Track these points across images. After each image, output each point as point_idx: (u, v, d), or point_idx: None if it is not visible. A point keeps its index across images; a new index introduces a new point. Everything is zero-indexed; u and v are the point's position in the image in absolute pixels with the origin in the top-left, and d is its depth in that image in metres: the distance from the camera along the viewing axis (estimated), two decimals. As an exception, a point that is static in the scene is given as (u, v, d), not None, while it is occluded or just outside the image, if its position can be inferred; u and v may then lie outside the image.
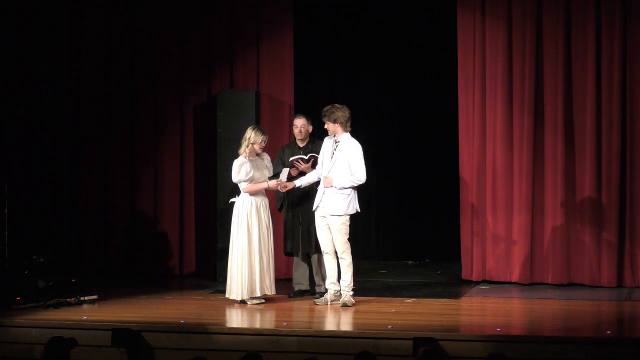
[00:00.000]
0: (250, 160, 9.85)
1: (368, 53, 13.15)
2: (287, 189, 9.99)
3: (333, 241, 9.77)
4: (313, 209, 9.87)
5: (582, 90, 10.93)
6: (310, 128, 10.35)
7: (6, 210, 10.95)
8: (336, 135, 9.82)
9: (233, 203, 10.01)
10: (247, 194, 9.88)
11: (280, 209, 10.42)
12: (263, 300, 9.90)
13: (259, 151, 9.90)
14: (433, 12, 12.64)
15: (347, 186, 9.72)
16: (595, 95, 10.88)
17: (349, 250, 9.79)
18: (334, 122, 9.77)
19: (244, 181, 9.82)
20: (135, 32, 12.00)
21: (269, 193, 10.14)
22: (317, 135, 10.57)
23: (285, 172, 9.98)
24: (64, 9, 12.10)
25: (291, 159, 10.18)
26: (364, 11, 12.96)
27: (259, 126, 10.17)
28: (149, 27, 11.95)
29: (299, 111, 10.92)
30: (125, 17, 12.01)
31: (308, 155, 10.18)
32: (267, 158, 10.03)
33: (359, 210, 9.85)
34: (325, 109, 9.81)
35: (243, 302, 9.86)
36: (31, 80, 12.13)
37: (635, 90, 10.84)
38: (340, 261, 9.79)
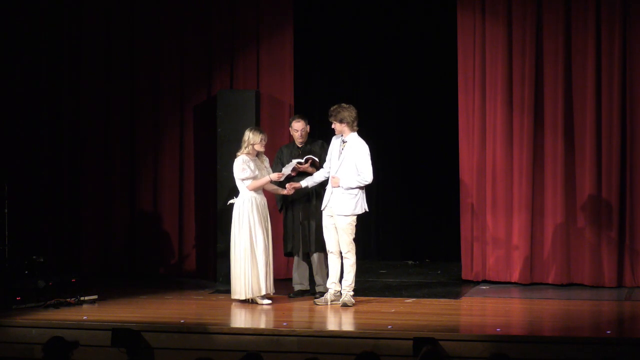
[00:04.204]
0: (252, 160, 9.84)
1: (368, 53, 13.16)
2: (293, 189, 9.99)
3: (339, 241, 9.78)
4: (321, 209, 9.87)
5: (582, 90, 10.93)
6: (308, 128, 10.35)
7: (6, 210, 10.95)
8: (343, 135, 9.82)
9: (232, 204, 10.00)
10: (247, 194, 9.87)
11: (281, 210, 10.42)
12: (270, 300, 9.89)
13: (261, 149, 9.89)
14: (433, 12, 12.65)
15: (354, 186, 9.72)
16: (595, 95, 10.88)
17: (353, 251, 9.79)
18: (341, 122, 9.77)
19: (250, 178, 9.81)
20: (135, 32, 12.00)
21: (267, 194, 10.14)
22: (318, 135, 10.56)
23: (287, 168, 9.97)
24: (63, 9, 12.10)
25: (290, 163, 10.15)
26: (364, 11, 12.97)
27: (255, 126, 10.17)
28: (149, 27, 11.95)
29: (298, 111, 10.92)
30: (125, 17, 12.01)
31: (305, 158, 10.17)
32: (266, 160, 10.03)
33: (367, 210, 9.86)
34: (332, 108, 9.81)
35: (253, 302, 9.84)
36: (31, 80, 12.13)
37: (636, 90, 10.84)
38: (344, 261, 9.80)
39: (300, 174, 10.18)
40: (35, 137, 12.15)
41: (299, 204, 10.26)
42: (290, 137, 10.66)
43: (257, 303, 9.83)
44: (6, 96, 12.05)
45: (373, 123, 13.05)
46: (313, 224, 10.14)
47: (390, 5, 12.84)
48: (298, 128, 10.26)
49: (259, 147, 9.88)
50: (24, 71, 12.12)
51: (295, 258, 10.42)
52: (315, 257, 10.28)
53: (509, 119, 11.12)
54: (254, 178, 9.83)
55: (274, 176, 9.86)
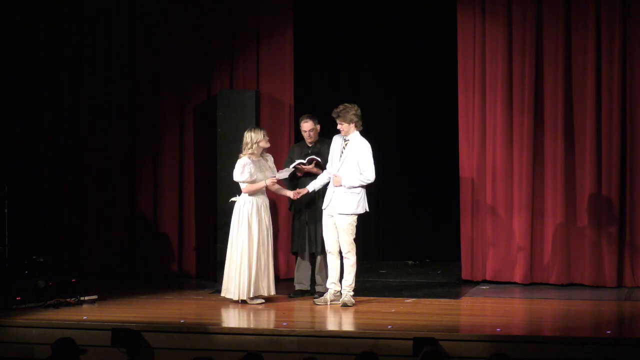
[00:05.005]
0: (254, 162, 9.84)
1: (368, 53, 13.15)
2: (300, 195, 9.99)
3: (338, 240, 9.77)
4: (323, 208, 9.86)
5: (582, 90, 10.93)
6: (318, 127, 10.34)
7: (6, 210, 10.94)
8: (348, 134, 9.81)
9: (233, 202, 10.01)
10: (248, 194, 9.88)
11: (290, 209, 10.44)
12: (263, 300, 9.89)
13: (267, 145, 9.88)
14: (433, 12, 12.64)
15: (356, 185, 9.72)
16: (595, 95, 10.88)
17: (354, 251, 9.78)
18: (350, 122, 9.76)
19: (247, 182, 9.81)
20: (135, 31, 12.00)
21: (271, 194, 10.13)
22: (321, 134, 10.55)
23: (283, 172, 9.97)
24: (63, 9, 12.10)
25: (291, 165, 10.15)
26: (364, 11, 12.96)
27: (253, 126, 10.16)
28: (149, 26, 11.95)
29: (298, 111, 10.90)
30: (125, 16, 12.01)
31: (307, 159, 10.16)
32: (270, 159, 10.03)
33: (367, 210, 9.85)
34: (338, 109, 9.76)
35: (243, 301, 9.85)
36: (30, 80, 12.13)
37: (636, 90, 10.84)
38: (345, 261, 9.79)
39: (306, 175, 10.18)
40: (35, 137, 12.15)
41: (306, 203, 10.24)
42: (291, 137, 10.64)
43: (247, 303, 9.82)
44: (6, 96, 12.05)
45: (373, 123, 13.01)
46: (319, 225, 10.11)
47: (390, 5, 12.84)
48: (306, 128, 10.27)
49: (264, 144, 9.88)
50: (24, 71, 12.12)
51: (298, 258, 10.41)
52: (318, 257, 10.27)
53: (509, 119, 11.12)
54: (252, 182, 9.82)
55: (269, 182, 9.86)
